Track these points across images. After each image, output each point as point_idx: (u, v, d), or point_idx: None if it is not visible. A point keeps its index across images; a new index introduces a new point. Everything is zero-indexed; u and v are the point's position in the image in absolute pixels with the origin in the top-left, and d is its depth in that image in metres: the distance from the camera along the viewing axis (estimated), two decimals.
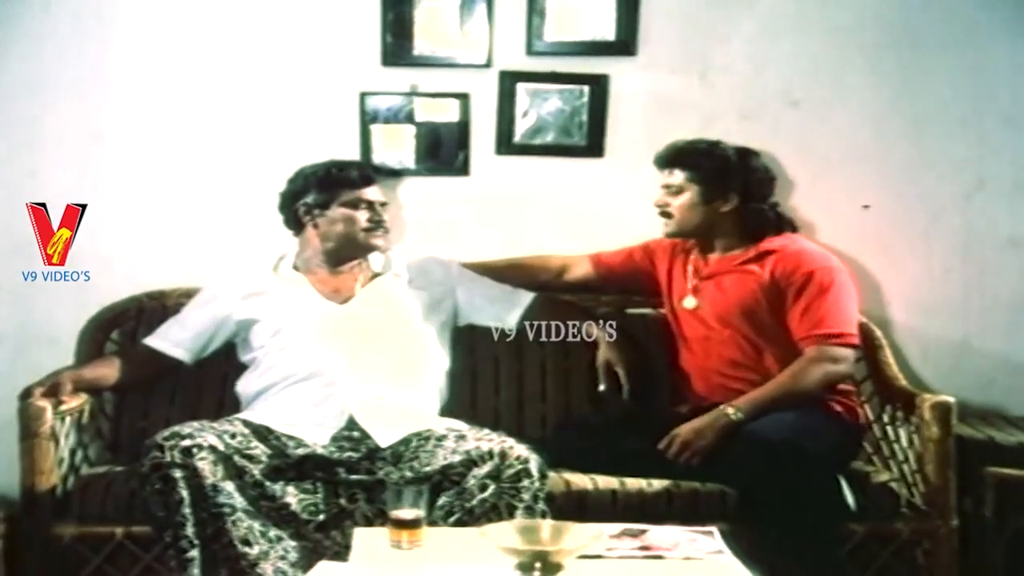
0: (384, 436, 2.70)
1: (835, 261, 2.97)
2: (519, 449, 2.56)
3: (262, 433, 2.66)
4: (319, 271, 3.00)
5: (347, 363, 2.81)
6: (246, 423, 2.69)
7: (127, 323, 3.13)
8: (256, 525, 2.49)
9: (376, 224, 2.97)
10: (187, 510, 2.46)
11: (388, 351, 2.87)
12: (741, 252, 2.99)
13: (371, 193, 2.99)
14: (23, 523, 2.73)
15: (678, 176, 2.99)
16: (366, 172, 3.02)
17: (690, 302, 3.02)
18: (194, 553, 2.45)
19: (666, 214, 3.02)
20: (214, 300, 2.98)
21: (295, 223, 3.02)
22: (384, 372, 2.82)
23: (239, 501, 2.50)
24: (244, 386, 2.90)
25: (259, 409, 2.79)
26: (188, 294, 3.11)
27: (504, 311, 3.06)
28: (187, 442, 2.49)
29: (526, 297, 3.08)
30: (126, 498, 2.69)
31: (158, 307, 3.14)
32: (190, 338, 2.97)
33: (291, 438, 2.68)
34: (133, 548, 2.68)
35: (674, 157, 3.02)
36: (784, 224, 3.05)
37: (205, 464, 2.48)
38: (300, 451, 2.65)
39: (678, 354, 3.09)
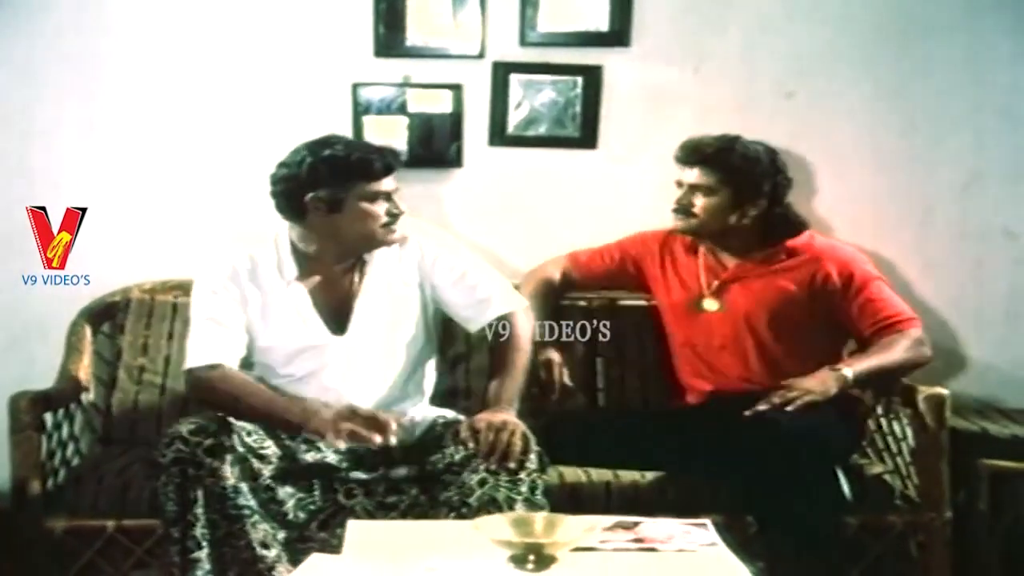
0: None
1: (859, 253, 2.98)
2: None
3: (274, 430, 2.55)
4: (319, 270, 2.69)
5: (346, 384, 2.67)
6: None
7: (117, 315, 3.12)
8: (268, 528, 2.44)
9: (394, 218, 2.66)
10: (199, 510, 2.38)
11: (386, 365, 2.73)
12: (762, 254, 2.93)
13: (389, 183, 2.66)
14: (14, 517, 2.71)
15: (708, 176, 2.87)
16: (387, 160, 2.65)
17: (711, 304, 2.94)
18: (200, 554, 2.39)
19: (686, 211, 2.91)
20: (231, 305, 2.66)
21: (297, 213, 2.65)
22: (384, 384, 2.71)
23: (254, 503, 2.43)
24: None
25: None
26: (179, 286, 3.10)
27: (468, 319, 2.80)
28: (211, 441, 2.40)
29: (490, 314, 2.76)
30: (118, 491, 2.69)
31: (148, 299, 3.13)
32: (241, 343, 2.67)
33: (304, 441, 2.57)
34: (125, 541, 2.67)
35: (704, 156, 2.89)
36: (802, 223, 2.97)
37: (226, 465, 2.40)
38: (310, 456, 2.57)
39: (671, 351, 3.05)
